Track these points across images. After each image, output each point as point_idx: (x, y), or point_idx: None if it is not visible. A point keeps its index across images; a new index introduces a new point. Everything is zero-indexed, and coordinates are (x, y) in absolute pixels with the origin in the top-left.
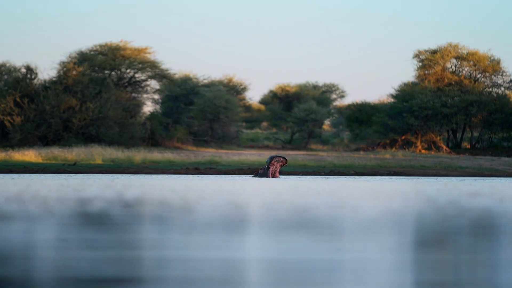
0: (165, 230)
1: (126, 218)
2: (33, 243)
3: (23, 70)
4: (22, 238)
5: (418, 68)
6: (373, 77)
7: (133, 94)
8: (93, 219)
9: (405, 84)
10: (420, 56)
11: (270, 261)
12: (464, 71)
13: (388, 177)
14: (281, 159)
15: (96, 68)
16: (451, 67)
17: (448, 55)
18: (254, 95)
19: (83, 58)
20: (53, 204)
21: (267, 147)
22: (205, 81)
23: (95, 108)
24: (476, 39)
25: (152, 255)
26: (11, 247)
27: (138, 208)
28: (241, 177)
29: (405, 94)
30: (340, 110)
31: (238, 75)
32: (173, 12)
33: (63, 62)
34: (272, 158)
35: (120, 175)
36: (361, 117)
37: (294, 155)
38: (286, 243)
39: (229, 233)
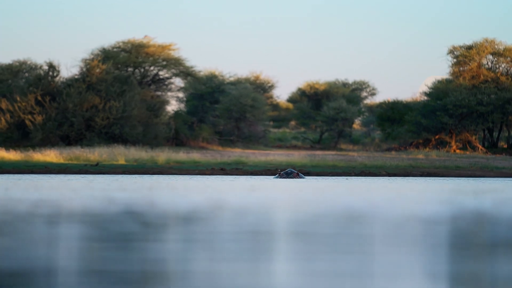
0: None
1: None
2: None
3: (45, 67)
4: None
5: (452, 64)
6: (405, 74)
7: (157, 92)
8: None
9: (439, 81)
10: (455, 52)
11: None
12: (500, 68)
13: (421, 178)
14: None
15: (119, 66)
16: (487, 63)
17: (484, 51)
18: (281, 93)
19: (105, 55)
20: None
21: (295, 147)
22: (231, 79)
23: (119, 107)
24: None
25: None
26: None
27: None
28: (267, 178)
29: (439, 91)
30: (371, 108)
31: (265, 73)
32: (198, 8)
33: (86, 60)
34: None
35: (143, 176)
36: (393, 115)
37: (323, 155)
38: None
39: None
